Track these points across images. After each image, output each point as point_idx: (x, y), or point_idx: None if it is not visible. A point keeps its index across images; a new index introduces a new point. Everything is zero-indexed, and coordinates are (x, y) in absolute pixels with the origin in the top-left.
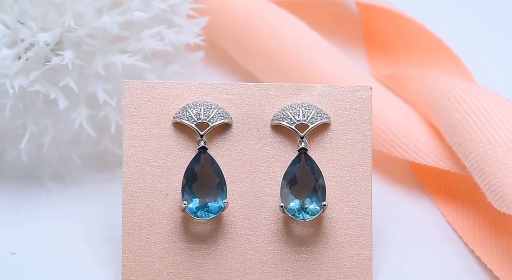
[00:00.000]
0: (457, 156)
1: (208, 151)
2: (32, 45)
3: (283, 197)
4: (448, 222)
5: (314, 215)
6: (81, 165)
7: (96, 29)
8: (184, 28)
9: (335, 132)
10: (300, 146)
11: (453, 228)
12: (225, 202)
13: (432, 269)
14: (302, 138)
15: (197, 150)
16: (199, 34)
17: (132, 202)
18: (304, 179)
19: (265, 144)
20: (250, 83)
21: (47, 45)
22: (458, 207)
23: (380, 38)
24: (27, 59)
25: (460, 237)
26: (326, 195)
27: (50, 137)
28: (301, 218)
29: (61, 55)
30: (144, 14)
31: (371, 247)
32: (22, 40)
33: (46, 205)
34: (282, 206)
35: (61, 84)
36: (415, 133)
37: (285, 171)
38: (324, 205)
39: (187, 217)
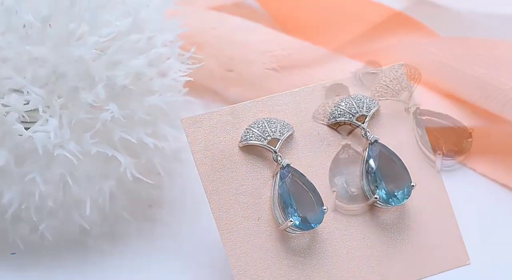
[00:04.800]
0: (481, 109)
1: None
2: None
3: (370, 188)
4: (494, 180)
5: (406, 198)
6: (129, 217)
7: (134, 74)
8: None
9: (386, 116)
10: (372, 136)
11: (503, 184)
12: (325, 209)
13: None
14: (364, 128)
15: (281, 166)
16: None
17: (230, 235)
18: (384, 166)
19: (329, 145)
20: (296, 89)
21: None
22: (491, 161)
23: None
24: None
25: None
26: None
27: (107, 196)
28: (395, 203)
29: (108, 109)
30: (168, 49)
31: (454, 214)
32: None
33: (109, 270)
34: (376, 198)
35: (117, 138)
36: (426, 101)
37: (358, 164)
38: (413, 185)
39: (284, 235)
